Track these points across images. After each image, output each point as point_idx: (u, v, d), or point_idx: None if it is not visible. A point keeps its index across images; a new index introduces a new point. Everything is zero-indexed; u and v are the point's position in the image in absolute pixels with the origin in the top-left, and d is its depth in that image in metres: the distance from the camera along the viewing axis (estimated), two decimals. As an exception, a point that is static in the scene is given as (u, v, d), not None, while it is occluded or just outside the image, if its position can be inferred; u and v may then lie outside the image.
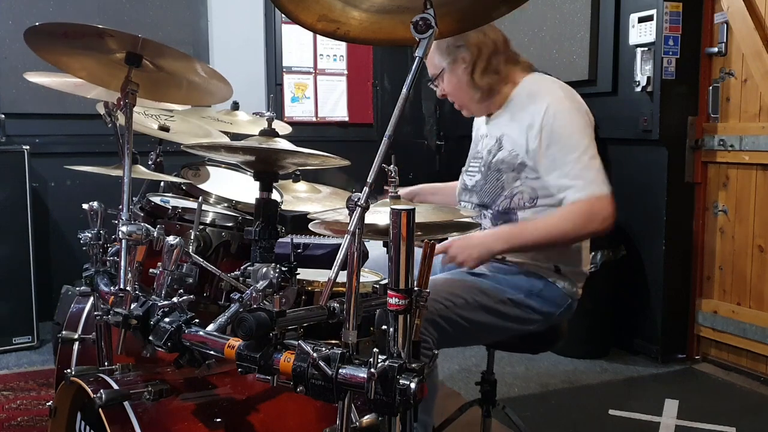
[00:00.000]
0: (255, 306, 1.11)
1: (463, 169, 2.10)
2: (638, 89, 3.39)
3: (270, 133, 1.36)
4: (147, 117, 1.95)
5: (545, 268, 1.88)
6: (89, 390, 1.28)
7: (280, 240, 1.33)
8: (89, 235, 1.59)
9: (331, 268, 1.02)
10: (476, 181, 1.99)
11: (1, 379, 3.06)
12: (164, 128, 1.92)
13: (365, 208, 0.98)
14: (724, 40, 3.26)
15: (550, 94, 1.87)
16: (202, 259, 1.38)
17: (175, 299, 1.23)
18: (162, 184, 1.93)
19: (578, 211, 1.78)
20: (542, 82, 1.93)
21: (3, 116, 3.49)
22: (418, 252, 1.01)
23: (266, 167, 1.34)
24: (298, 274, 1.28)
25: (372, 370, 0.93)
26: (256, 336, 1.01)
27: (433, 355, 1.58)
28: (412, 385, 0.93)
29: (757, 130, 3.14)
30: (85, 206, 1.61)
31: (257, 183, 1.33)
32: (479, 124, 2.11)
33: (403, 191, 1.97)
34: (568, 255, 1.90)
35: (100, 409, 1.24)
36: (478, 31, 1.87)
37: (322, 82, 4.49)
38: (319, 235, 1.40)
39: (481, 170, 1.98)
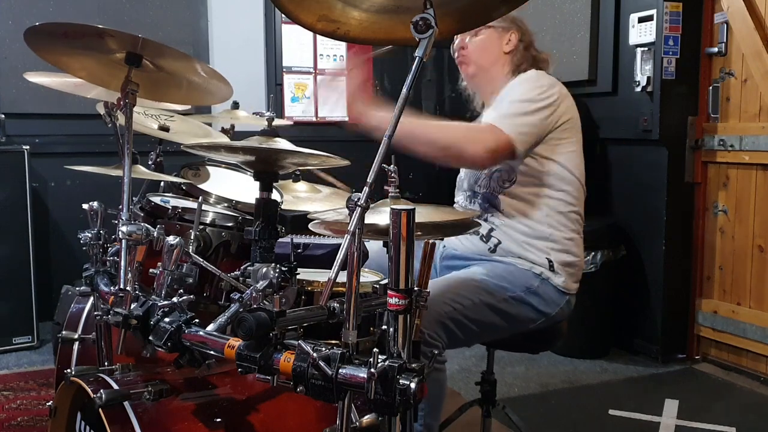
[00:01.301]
0: (255, 306, 1.10)
1: None
2: (638, 89, 3.39)
3: (270, 133, 1.36)
4: (147, 117, 1.95)
5: (539, 264, 1.88)
6: (89, 390, 1.28)
7: (280, 240, 1.33)
8: (89, 235, 1.58)
9: (331, 268, 1.02)
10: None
11: (1, 379, 3.06)
12: (164, 128, 1.91)
13: (365, 208, 0.98)
14: (724, 40, 3.26)
15: (525, 74, 1.99)
16: (202, 259, 1.38)
17: (175, 299, 1.23)
18: (162, 184, 1.93)
19: (472, 129, 1.88)
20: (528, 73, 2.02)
21: (3, 116, 3.49)
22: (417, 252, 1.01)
23: (266, 167, 1.34)
24: (298, 274, 1.28)
25: (372, 370, 0.93)
26: (256, 336, 1.01)
27: (433, 355, 1.58)
28: (412, 385, 0.93)
29: (757, 130, 3.14)
30: (85, 206, 1.60)
31: (257, 183, 1.33)
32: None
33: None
34: (560, 248, 1.90)
35: (100, 409, 1.24)
36: (533, 33, 2.06)
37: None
38: (319, 235, 1.40)
39: None
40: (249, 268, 1.27)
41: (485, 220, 1.94)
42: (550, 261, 1.88)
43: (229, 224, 1.55)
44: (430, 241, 1.20)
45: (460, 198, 2.07)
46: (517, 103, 1.86)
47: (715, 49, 3.30)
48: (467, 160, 1.88)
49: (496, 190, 1.93)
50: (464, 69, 2.09)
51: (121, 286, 1.27)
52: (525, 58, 2.03)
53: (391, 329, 0.97)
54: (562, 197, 1.91)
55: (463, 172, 2.10)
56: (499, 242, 1.91)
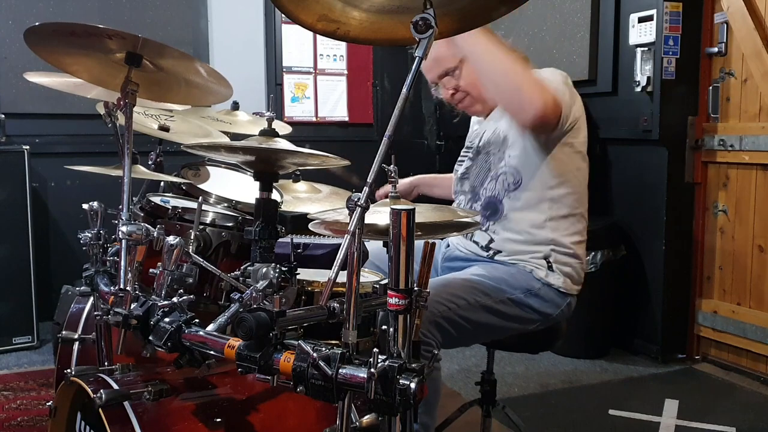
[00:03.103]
0: (255, 306, 1.11)
1: (457, 161, 2.12)
2: (638, 89, 3.39)
3: (270, 133, 1.36)
4: (147, 117, 1.95)
5: (537, 264, 1.87)
6: (89, 390, 1.28)
7: (280, 240, 1.33)
8: (89, 235, 1.59)
9: (331, 268, 1.02)
10: (466, 167, 2.05)
11: (1, 379, 3.06)
12: (164, 128, 1.91)
13: (365, 208, 0.98)
14: (724, 40, 3.26)
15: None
16: (202, 259, 1.38)
17: (175, 299, 1.23)
18: (162, 184, 1.93)
19: (533, 78, 1.77)
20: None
21: (3, 116, 3.49)
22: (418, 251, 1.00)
23: (266, 167, 1.34)
24: (298, 274, 1.28)
25: (372, 370, 0.93)
26: (256, 336, 1.01)
27: (433, 355, 1.58)
28: (412, 385, 0.93)
29: (757, 130, 3.14)
30: (85, 206, 1.60)
31: (257, 183, 1.33)
32: (473, 124, 2.16)
33: (401, 183, 2.00)
34: (561, 251, 1.89)
35: (100, 409, 1.24)
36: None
37: (322, 82, 4.49)
38: (319, 235, 1.40)
39: (470, 156, 2.04)
40: (249, 268, 1.27)
41: (486, 230, 1.92)
42: (549, 263, 1.88)
43: (229, 224, 1.55)
44: (430, 241, 1.19)
45: (461, 199, 2.04)
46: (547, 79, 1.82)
47: (715, 49, 3.30)
48: (523, 104, 1.75)
49: (501, 194, 1.90)
50: (469, 111, 2.07)
51: (121, 286, 1.27)
52: None
53: (391, 329, 0.97)
54: (567, 201, 1.89)
55: (459, 168, 2.06)
56: (498, 251, 1.91)
